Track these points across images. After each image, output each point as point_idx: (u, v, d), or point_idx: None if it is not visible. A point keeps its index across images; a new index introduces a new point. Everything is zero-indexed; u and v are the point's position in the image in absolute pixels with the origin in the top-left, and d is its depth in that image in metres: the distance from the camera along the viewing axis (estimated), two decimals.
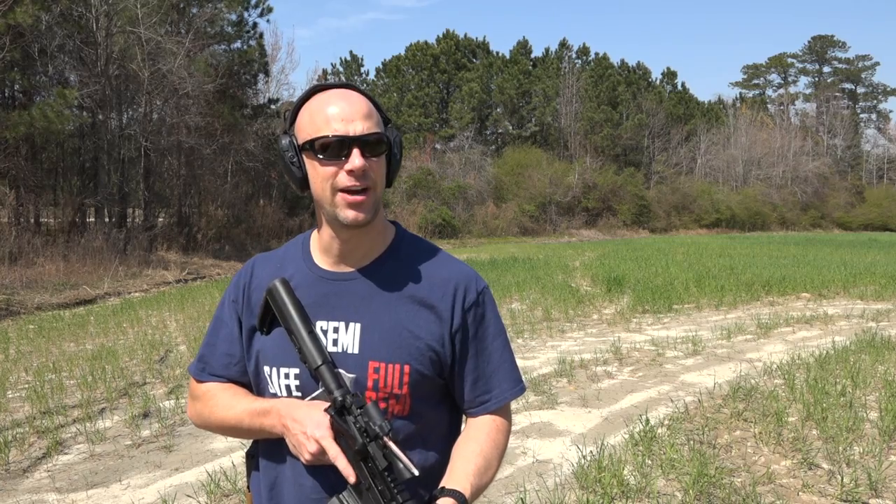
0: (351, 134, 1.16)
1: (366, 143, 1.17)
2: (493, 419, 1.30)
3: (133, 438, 4.68)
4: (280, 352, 1.25)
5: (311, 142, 1.18)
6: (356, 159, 1.16)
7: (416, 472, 1.09)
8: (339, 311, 1.25)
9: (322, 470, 1.20)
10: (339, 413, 1.13)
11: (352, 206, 1.18)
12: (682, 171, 53.95)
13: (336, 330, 1.24)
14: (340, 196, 1.18)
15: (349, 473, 1.11)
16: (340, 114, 1.17)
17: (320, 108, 1.19)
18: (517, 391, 1.32)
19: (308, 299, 1.25)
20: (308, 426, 1.14)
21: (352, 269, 1.28)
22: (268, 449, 1.29)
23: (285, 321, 1.23)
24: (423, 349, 1.23)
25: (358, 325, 1.24)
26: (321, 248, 1.30)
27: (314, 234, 1.34)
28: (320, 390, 1.20)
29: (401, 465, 1.09)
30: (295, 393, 1.24)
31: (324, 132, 1.16)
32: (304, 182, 1.23)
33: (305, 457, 1.16)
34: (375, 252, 1.29)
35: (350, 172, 1.16)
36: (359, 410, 1.12)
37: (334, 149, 1.17)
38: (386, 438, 1.10)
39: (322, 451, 1.13)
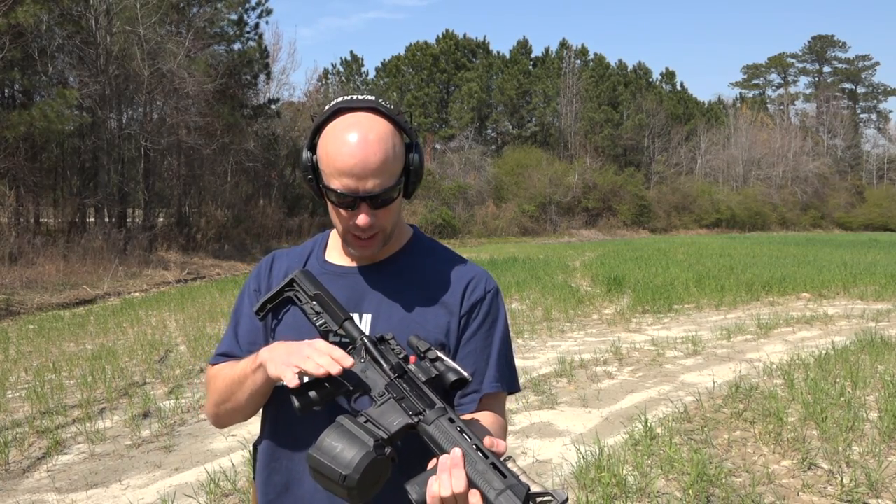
0: (360, 192, 1.17)
1: (375, 199, 1.19)
2: (493, 415, 1.29)
3: (133, 438, 4.67)
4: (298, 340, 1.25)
5: (324, 186, 1.22)
6: (362, 217, 1.19)
7: (470, 378, 1.14)
8: (351, 303, 1.27)
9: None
10: (374, 344, 1.17)
11: (359, 246, 1.25)
12: (682, 171, 53.94)
13: None
14: (351, 235, 1.24)
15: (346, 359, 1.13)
16: (352, 169, 1.15)
17: (336, 153, 1.17)
18: (497, 386, 1.30)
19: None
20: (307, 343, 1.15)
21: (367, 264, 1.32)
22: (273, 441, 1.29)
23: (308, 293, 1.26)
24: (430, 342, 1.24)
25: (369, 317, 1.27)
26: (342, 244, 1.34)
27: (333, 231, 1.39)
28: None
29: (450, 373, 1.12)
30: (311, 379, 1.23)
31: (334, 185, 1.18)
32: (320, 194, 1.27)
33: (306, 353, 1.11)
34: (392, 250, 1.34)
35: (356, 226, 1.21)
36: (396, 343, 1.18)
37: (344, 201, 1.20)
38: (438, 352, 1.14)
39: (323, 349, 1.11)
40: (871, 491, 3.61)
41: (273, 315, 1.31)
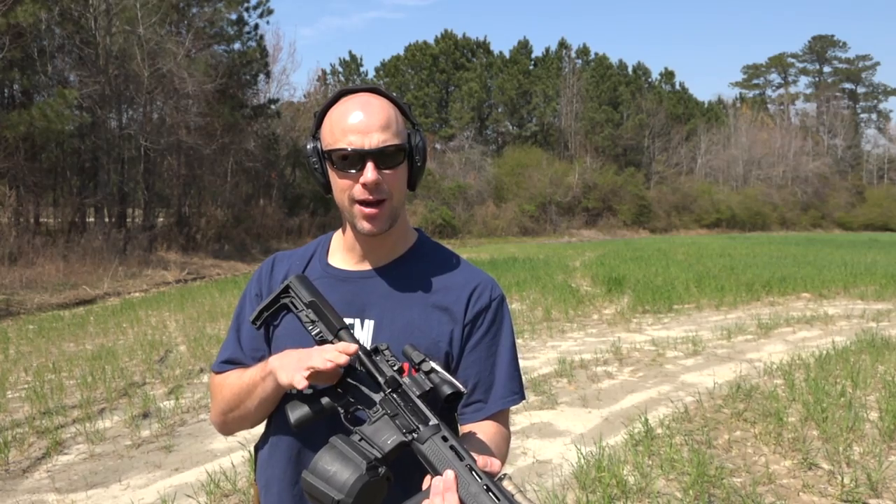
0: (366, 147, 1.17)
1: (381, 156, 1.18)
2: (497, 425, 1.28)
3: (133, 439, 4.67)
4: (299, 346, 1.24)
5: (329, 153, 1.21)
6: (369, 173, 1.17)
7: (465, 390, 1.13)
8: (354, 308, 1.26)
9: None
10: (368, 355, 1.15)
11: (367, 217, 1.21)
12: (682, 171, 53.97)
13: (352, 326, 1.25)
14: (357, 207, 1.21)
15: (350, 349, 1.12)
16: (357, 126, 1.18)
17: (340, 118, 1.20)
18: (513, 400, 1.30)
19: (326, 297, 1.26)
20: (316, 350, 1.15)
21: (370, 268, 1.30)
22: (274, 445, 1.28)
23: (303, 300, 1.24)
24: (432, 350, 1.24)
25: (372, 322, 1.26)
26: (345, 246, 1.33)
27: (336, 234, 1.38)
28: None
29: (445, 386, 1.10)
30: (307, 392, 1.22)
31: (340, 144, 1.18)
32: (327, 187, 1.26)
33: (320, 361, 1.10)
34: (396, 253, 1.32)
35: (364, 186, 1.19)
36: (391, 354, 1.15)
37: (350, 161, 1.19)
38: (433, 363, 1.13)
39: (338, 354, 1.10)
40: (871, 491, 3.60)
41: (271, 322, 1.29)
